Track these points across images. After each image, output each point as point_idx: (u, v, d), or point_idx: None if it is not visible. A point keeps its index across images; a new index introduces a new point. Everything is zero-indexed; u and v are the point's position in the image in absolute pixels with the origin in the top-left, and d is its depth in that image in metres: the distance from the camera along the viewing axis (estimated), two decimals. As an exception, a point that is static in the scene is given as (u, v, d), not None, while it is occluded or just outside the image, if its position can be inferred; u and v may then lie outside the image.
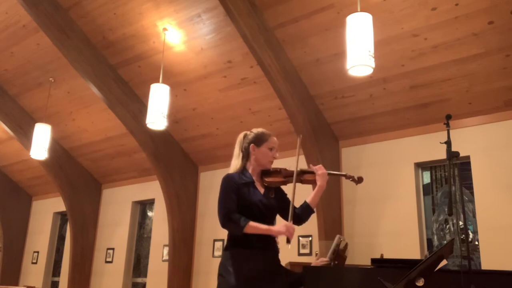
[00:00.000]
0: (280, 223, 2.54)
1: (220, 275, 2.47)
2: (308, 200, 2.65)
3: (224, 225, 2.47)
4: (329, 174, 2.67)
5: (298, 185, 2.64)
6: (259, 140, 2.64)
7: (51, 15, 5.80)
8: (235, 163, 2.66)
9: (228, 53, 5.65)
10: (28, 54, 6.90)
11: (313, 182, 2.69)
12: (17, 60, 7.09)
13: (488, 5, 4.24)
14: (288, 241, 2.43)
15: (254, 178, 2.61)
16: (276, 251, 2.56)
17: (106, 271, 8.34)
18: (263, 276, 2.41)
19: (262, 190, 2.59)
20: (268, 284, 2.42)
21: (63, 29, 5.92)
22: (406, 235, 5.21)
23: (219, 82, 6.04)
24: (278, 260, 2.55)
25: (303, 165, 4.32)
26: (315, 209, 2.68)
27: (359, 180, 2.68)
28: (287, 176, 2.61)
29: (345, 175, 2.73)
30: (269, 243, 2.51)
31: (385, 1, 4.52)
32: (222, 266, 2.48)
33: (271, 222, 2.59)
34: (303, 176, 2.66)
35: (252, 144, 2.63)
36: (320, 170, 2.66)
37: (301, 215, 2.64)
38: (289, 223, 2.46)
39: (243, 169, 2.63)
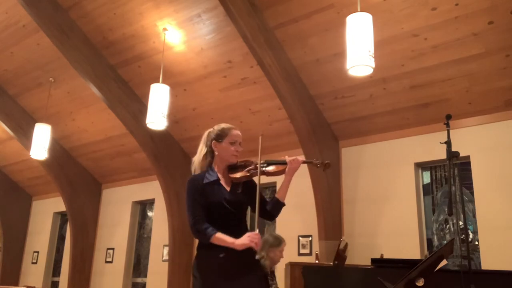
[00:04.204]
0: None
1: (193, 275, 2.47)
2: (277, 195, 2.59)
3: (193, 234, 2.49)
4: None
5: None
6: (219, 135, 2.62)
7: (51, 15, 5.80)
8: (196, 160, 2.66)
9: (228, 53, 5.65)
10: (28, 54, 6.90)
11: (278, 174, 2.61)
12: (17, 60, 7.09)
13: (488, 5, 4.24)
14: (256, 253, 2.36)
15: (219, 175, 2.58)
16: (246, 248, 2.46)
17: (106, 271, 8.34)
18: (236, 272, 2.39)
19: (228, 187, 2.55)
20: (242, 279, 2.40)
21: (63, 29, 5.92)
22: (406, 235, 5.21)
23: (219, 82, 6.04)
24: (251, 256, 2.45)
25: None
26: (285, 202, 2.59)
27: (327, 165, 2.59)
28: (252, 169, 2.55)
29: (311, 162, 2.66)
30: (239, 238, 2.44)
31: (385, 1, 4.52)
32: (194, 266, 2.48)
33: (240, 217, 2.53)
34: (267, 169, 2.58)
35: (213, 141, 2.62)
36: (293, 163, 2.55)
37: (271, 211, 2.57)
38: (252, 233, 2.37)
39: (209, 168, 2.61)
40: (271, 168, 2.59)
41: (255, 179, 2.56)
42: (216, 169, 2.60)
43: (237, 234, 2.43)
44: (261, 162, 2.56)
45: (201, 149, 2.67)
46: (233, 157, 2.60)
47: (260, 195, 2.53)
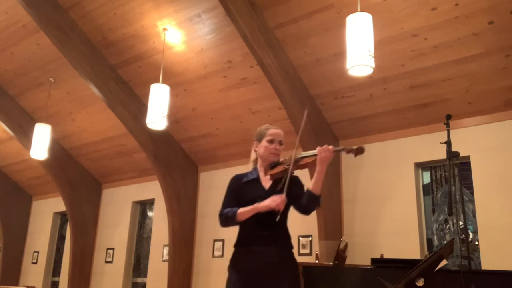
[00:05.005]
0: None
1: (228, 272, 2.52)
2: (310, 187, 2.51)
3: (221, 223, 2.52)
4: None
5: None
6: (259, 135, 2.66)
7: (51, 15, 5.80)
8: (250, 165, 2.71)
9: (228, 53, 5.65)
10: (28, 54, 6.90)
11: (311, 165, 2.56)
12: (17, 60, 7.09)
13: (488, 5, 4.24)
14: (277, 214, 2.39)
15: (261, 174, 2.61)
16: (280, 246, 2.50)
17: (106, 271, 8.34)
18: (261, 273, 2.40)
19: (268, 184, 2.56)
20: (269, 280, 2.41)
21: (63, 29, 5.92)
22: (406, 235, 5.21)
23: (219, 82, 6.04)
24: (283, 255, 2.50)
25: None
26: (319, 194, 2.49)
27: (358, 150, 2.46)
28: (287, 164, 2.53)
29: (343, 149, 2.55)
30: (267, 239, 2.47)
31: (385, 1, 4.52)
32: (229, 264, 2.53)
33: (276, 214, 2.49)
34: (300, 161, 2.54)
35: (255, 142, 2.67)
36: (323, 152, 2.46)
37: (305, 205, 2.51)
38: (276, 196, 2.39)
39: (254, 167, 2.67)
40: (304, 160, 2.55)
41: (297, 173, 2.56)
42: (258, 169, 2.64)
43: (273, 234, 2.47)
44: (296, 156, 2.53)
45: (252, 154, 2.72)
46: (272, 155, 2.60)
47: (297, 188, 2.53)
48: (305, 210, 2.55)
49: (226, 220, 2.49)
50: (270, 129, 2.65)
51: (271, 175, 2.55)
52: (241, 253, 2.47)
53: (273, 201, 2.37)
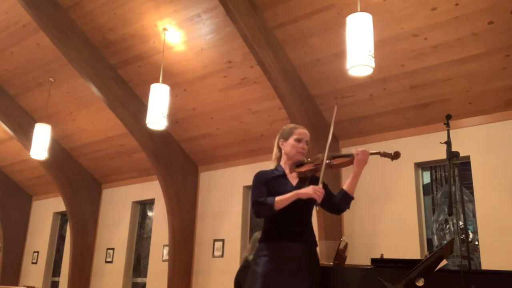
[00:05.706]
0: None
1: (252, 266, 2.52)
2: (345, 187, 2.59)
3: (256, 213, 2.49)
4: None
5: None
6: (286, 133, 2.69)
7: (51, 15, 5.81)
8: (272, 163, 2.72)
9: (228, 53, 5.65)
10: (28, 54, 6.90)
11: (343, 166, 2.62)
12: (17, 60, 7.09)
13: (488, 5, 4.24)
14: (317, 204, 2.42)
15: (286, 171, 2.63)
16: (308, 243, 2.53)
17: (106, 271, 8.34)
18: (289, 269, 2.41)
19: (295, 182, 2.58)
20: (294, 277, 2.41)
21: (63, 29, 5.92)
22: (406, 235, 5.21)
23: (219, 82, 6.04)
24: (310, 253, 2.53)
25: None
26: (353, 195, 2.59)
27: (395, 155, 2.55)
28: (318, 163, 2.55)
29: (379, 153, 2.61)
30: (298, 235, 2.49)
31: (385, 1, 4.52)
32: (254, 258, 2.54)
33: (304, 214, 2.55)
34: (333, 161, 2.56)
35: (281, 139, 2.69)
36: (361, 155, 2.54)
37: (339, 204, 2.58)
38: (317, 186, 2.41)
39: (277, 165, 2.68)
40: (337, 161, 2.58)
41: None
42: (283, 166, 2.65)
43: (300, 230, 2.49)
44: (327, 156, 2.53)
45: (275, 153, 2.73)
46: (299, 154, 2.64)
47: (326, 187, 2.54)
48: (337, 209, 2.62)
49: (262, 207, 2.45)
50: (298, 128, 2.69)
51: (300, 173, 2.58)
52: (270, 248, 2.48)
53: (316, 191, 2.39)
